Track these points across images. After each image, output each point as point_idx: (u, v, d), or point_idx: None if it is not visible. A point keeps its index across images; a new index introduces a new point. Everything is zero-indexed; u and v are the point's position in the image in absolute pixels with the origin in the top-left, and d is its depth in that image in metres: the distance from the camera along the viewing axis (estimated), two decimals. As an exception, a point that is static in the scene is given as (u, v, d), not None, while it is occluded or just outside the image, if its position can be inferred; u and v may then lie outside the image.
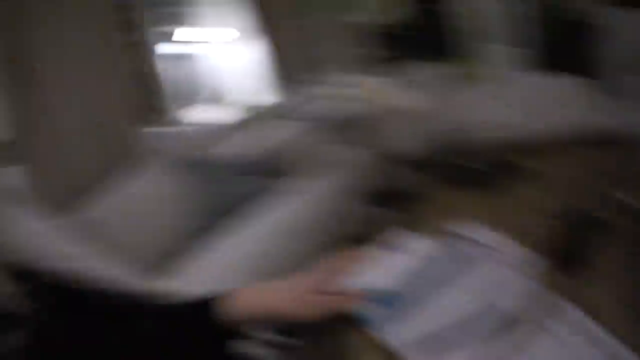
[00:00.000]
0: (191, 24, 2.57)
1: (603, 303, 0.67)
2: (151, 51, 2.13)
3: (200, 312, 0.62)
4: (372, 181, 1.71)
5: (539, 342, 0.60)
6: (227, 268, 1.09)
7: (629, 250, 0.76)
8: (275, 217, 1.30)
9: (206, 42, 2.63)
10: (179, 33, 2.50)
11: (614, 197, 0.88)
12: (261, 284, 0.68)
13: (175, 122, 2.11)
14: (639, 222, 0.83)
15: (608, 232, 0.81)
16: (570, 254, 0.76)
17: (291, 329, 0.69)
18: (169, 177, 1.36)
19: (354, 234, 1.54)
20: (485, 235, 0.80)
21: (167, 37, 2.42)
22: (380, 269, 0.71)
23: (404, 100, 1.90)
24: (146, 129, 1.70)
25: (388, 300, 0.66)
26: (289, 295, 0.64)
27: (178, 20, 2.52)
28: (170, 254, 1.26)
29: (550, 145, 1.14)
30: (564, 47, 2.13)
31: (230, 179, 1.35)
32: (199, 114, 2.36)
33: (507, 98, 1.85)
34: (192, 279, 1.11)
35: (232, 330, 0.61)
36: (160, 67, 2.17)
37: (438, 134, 1.71)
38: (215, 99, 2.58)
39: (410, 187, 0.99)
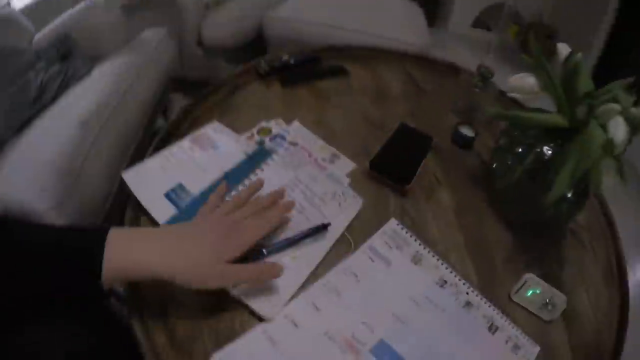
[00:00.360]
0: None
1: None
2: None
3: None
4: (174, 67, 1.63)
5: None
6: (29, 169, 1.00)
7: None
8: (70, 105, 1.22)
9: None
10: None
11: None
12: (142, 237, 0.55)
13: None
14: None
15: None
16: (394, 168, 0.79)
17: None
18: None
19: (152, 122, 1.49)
20: (296, 132, 0.83)
21: None
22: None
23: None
24: None
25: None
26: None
27: None
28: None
29: (374, 54, 1.14)
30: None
31: (25, 69, 1.28)
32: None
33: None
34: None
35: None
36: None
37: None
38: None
39: (220, 77, 0.94)
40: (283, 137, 0.81)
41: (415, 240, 0.69)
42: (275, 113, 0.87)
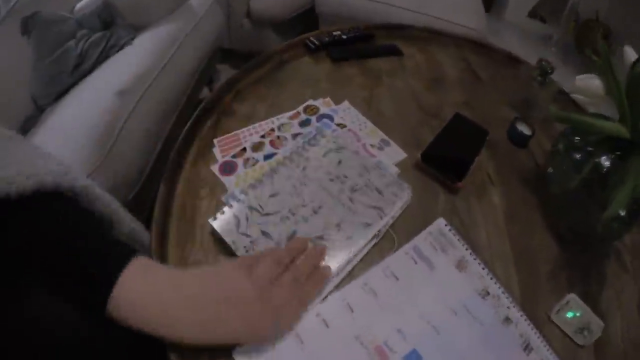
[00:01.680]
0: None
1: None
2: None
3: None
4: (220, 38, 1.55)
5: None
6: (64, 139, 0.94)
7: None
8: (109, 74, 1.15)
9: None
10: None
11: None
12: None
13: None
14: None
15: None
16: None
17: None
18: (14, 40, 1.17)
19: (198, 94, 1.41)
20: (345, 113, 0.76)
21: None
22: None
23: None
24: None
25: None
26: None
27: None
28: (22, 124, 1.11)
29: (430, 36, 1.06)
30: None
31: (65, 38, 1.22)
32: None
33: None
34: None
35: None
36: None
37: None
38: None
39: (268, 51, 0.87)
40: (331, 118, 0.74)
41: (463, 245, 0.62)
42: (323, 91, 0.80)
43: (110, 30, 1.28)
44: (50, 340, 0.41)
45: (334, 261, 0.55)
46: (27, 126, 1.13)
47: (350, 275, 0.56)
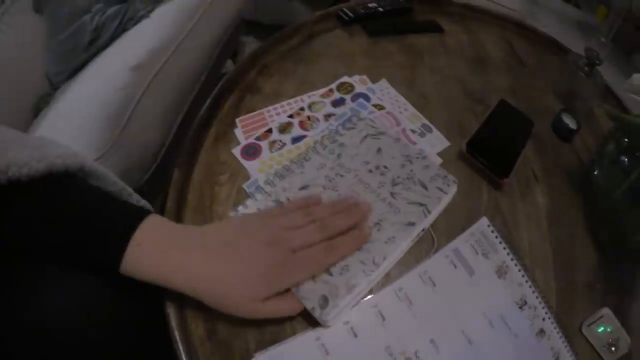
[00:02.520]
0: None
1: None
2: None
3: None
4: (246, 8, 1.43)
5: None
6: (76, 118, 0.89)
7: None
8: (124, 49, 1.08)
9: None
10: None
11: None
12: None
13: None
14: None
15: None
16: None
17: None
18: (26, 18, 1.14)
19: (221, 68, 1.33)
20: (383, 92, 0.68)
21: None
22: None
23: None
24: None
25: None
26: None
27: None
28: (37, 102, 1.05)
29: (472, 14, 0.97)
30: None
31: (80, 13, 1.16)
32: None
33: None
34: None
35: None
36: None
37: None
38: None
39: (297, 23, 0.79)
40: (367, 98, 0.67)
41: (504, 248, 0.55)
42: (358, 68, 0.72)
43: (127, 3, 1.20)
44: (55, 346, 0.38)
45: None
46: (41, 104, 1.08)
47: (384, 280, 0.49)
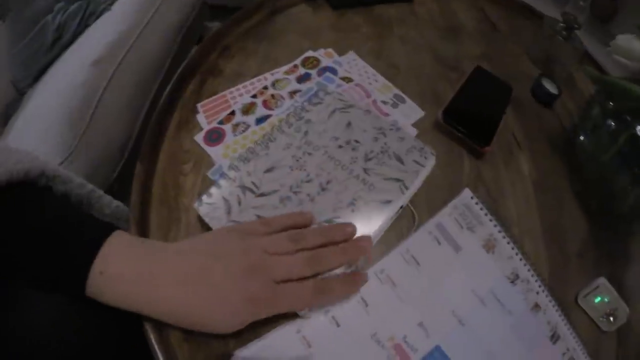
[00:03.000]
0: None
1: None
2: None
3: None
4: None
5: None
6: (38, 123, 0.85)
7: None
8: (84, 44, 1.04)
9: None
10: None
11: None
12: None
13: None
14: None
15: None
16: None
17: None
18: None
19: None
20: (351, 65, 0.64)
21: None
22: None
23: None
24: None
25: None
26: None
27: None
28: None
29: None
30: None
31: (43, 13, 1.12)
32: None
33: None
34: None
35: None
36: None
37: None
38: None
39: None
40: (334, 71, 0.62)
41: (491, 220, 0.52)
42: (324, 42, 0.68)
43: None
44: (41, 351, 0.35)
45: None
46: (9, 112, 1.03)
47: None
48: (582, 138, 0.64)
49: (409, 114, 0.60)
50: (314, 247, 0.41)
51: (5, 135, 0.88)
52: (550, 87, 0.72)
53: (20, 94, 1.04)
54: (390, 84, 0.63)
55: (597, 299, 0.53)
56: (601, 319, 0.52)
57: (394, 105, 0.60)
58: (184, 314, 0.37)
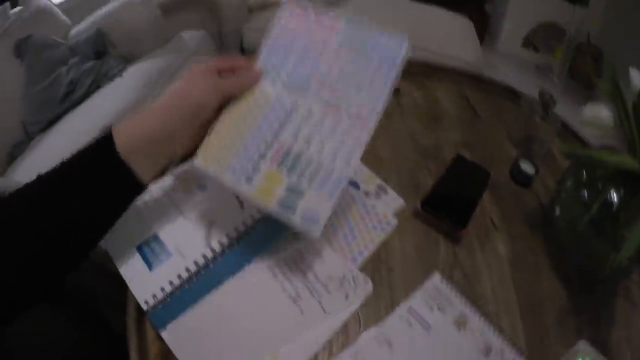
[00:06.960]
0: None
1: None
2: None
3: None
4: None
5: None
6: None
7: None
8: (97, 107, 1.10)
9: None
10: None
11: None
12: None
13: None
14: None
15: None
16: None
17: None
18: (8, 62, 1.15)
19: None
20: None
21: None
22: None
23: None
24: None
25: None
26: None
27: None
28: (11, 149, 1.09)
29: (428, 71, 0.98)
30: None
31: (58, 64, 1.15)
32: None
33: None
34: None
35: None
36: None
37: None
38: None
39: None
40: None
41: (461, 301, 0.53)
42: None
43: (102, 60, 1.22)
44: None
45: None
46: (15, 152, 1.07)
47: (341, 342, 0.48)
48: (557, 211, 0.65)
49: (390, 203, 0.63)
50: None
51: (13, 172, 0.92)
52: (527, 168, 0.75)
53: (29, 138, 1.08)
54: (373, 175, 0.67)
55: (579, 362, 0.52)
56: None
57: (377, 196, 0.64)
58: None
